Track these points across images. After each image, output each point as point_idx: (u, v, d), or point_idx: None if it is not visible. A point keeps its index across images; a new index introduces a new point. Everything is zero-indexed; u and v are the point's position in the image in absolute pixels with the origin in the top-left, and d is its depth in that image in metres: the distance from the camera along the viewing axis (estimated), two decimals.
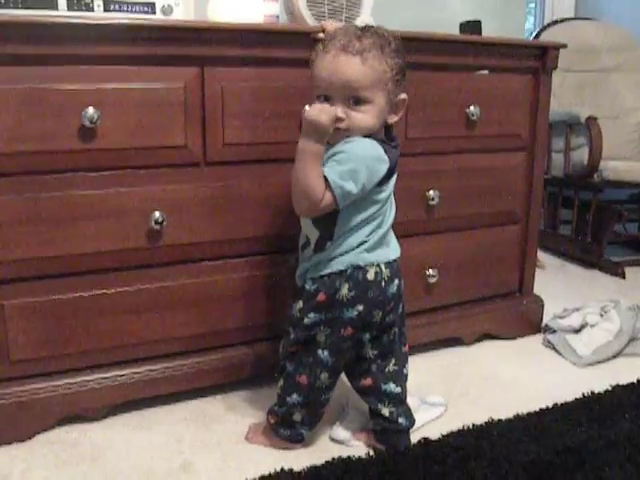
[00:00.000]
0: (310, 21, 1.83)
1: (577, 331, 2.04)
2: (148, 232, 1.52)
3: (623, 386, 1.73)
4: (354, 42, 1.27)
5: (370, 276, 1.35)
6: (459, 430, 1.50)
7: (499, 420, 1.55)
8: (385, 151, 1.31)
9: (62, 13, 1.51)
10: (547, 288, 2.35)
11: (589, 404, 1.63)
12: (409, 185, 1.81)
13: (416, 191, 1.83)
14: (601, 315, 2.10)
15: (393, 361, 1.46)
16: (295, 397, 1.42)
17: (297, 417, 1.43)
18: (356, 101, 1.28)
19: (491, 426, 1.52)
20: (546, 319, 2.15)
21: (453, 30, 2.31)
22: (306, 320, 1.37)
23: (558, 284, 2.67)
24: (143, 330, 1.56)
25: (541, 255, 2.84)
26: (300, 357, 1.40)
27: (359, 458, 1.39)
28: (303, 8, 1.85)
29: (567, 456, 1.39)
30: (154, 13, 1.60)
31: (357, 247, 1.34)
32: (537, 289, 2.16)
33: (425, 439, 1.46)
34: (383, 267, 1.37)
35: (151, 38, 1.44)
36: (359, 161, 1.27)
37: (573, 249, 3.06)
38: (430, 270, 1.90)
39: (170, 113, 1.48)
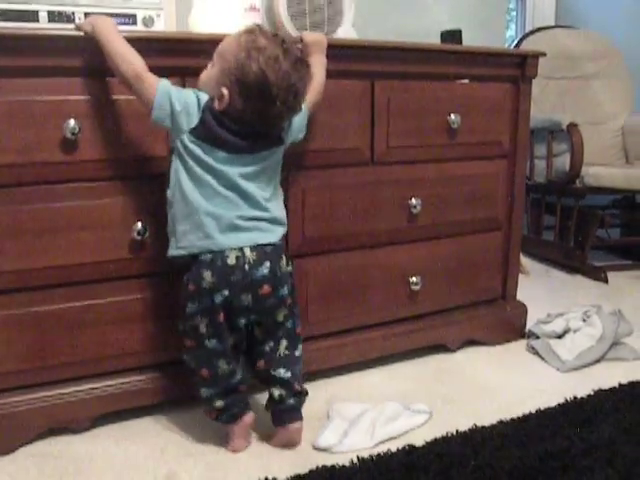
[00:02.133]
0: (293, 32, 1.84)
1: (560, 336, 2.05)
2: (130, 243, 1.52)
3: (605, 390, 1.74)
4: (257, 29, 1.36)
5: (231, 261, 1.37)
6: (443, 437, 1.51)
7: (483, 426, 1.55)
8: (203, 100, 1.36)
9: (43, 25, 1.52)
10: (531, 294, 2.36)
11: (572, 409, 1.64)
12: (391, 193, 1.83)
13: (398, 199, 1.85)
14: (584, 320, 2.11)
15: (284, 344, 1.49)
16: (206, 390, 1.45)
17: (220, 404, 1.46)
18: (212, 61, 1.39)
19: (475, 433, 1.52)
20: (530, 325, 2.16)
21: (434, 39, 2.34)
22: (187, 311, 1.41)
23: (541, 289, 2.69)
24: (126, 341, 1.56)
25: (524, 261, 2.86)
26: (194, 352, 1.44)
27: (343, 466, 1.39)
28: (285, 18, 1.87)
29: (550, 461, 1.40)
30: (135, 24, 1.61)
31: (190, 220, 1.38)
32: (520, 295, 2.18)
33: (409, 446, 1.46)
34: (247, 251, 1.39)
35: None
36: (185, 90, 1.40)
37: (556, 254, 3.09)
38: (413, 277, 1.90)
39: (153, 125, 1.48)
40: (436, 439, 1.50)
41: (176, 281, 1.57)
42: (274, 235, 1.45)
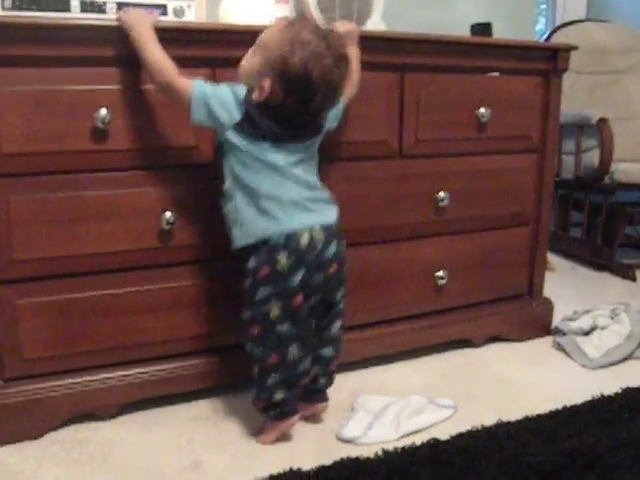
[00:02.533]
0: (322, 24, 1.84)
1: (587, 334, 2.03)
2: (159, 232, 1.53)
3: (633, 389, 1.72)
4: (300, 21, 1.38)
5: (304, 241, 1.38)
6: (468, 431, 1.50)
7: (508, 422, 1.54)
8: (242, 95, 1.36)
9: (75, 15, 1.53)
10: (557, 290, 2.35)
11: (599, 407, 1.62)
12: (419, 186, 1.82)
13: (426, 192, 1.84)
14: (611, 318, 2.10)
15: (338, 324, 1.54)
16: (273, 377, 1.44)
17: (279, 396, 1.45)
18: (253, 50, 1.39)
19: (500, 428, 1.52)
20: (556, 321, 2.14)
21: (464, 32, 2.32)
22: (257, 296, 1.40)
23: (568, 286, 2.67)
24: (154, 329, 1.57)
25: (551, 257, 2.83)
26: (263, 339, 1.43)
27: (368, 458, 1.39)
28: (314, 9, 1.87)
29: (576, 458, 1.38)
30: (166, 15, 1.62)
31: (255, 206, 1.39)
32: (547, 291, 2.16)
33: (434, 440, 1.46)
34: (317, 230, 1.41)
35: (163, 40, 1.44)
36: (221, 86, 1.39)
37: (584, 251, 3.06)
38: (440, 272, 1.90)
39: (181, 114, 1.49)
40: (461, 433, 1.49)
41: (204, 270, 1.59)
42: (333, 214, 1.47)
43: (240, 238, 1.43)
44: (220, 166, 1.44)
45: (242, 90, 1.37)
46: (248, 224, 1.40)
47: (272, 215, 1.38)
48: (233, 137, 1.37)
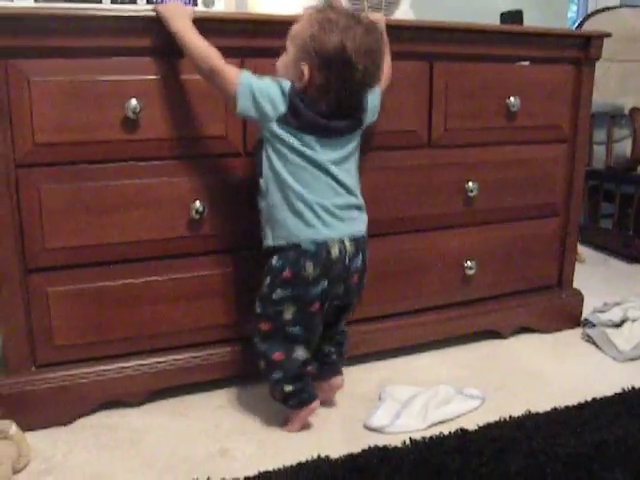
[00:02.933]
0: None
1: (617, 326, 2.01)
2: (189, 221, 1.54)
3: None
4: (325, 7, 1.38)
5: (334, 253, 1.39)
6: (496, 422, 1.49)
7: (537, 413, 1.53)
8: (287, 87, 1.36)
9: (106, 6, 1.54)
10: (587, 282, 2.32)
11: (629, 399, 1.61)
12: (447, 176, 1.81)
13: (454, 182, 1.83)
14: None
15: (344, 316, 1.57)
16: (277, 373, 1.45)
17: (289, 388, 1.46)
18: (285, 47, 1.40)
19: (529, 419, 1.51)
20: (586, 313, 2.12)
21: (494, 20, 2.29)
22: (274, 295, 1.41)
23: (598, 278, 2.63)
24: (181, 318, 1.58)
25: (581, 249, 2.80)
26: (271, 336, 1.44)
27: (395, 447, 1.39)
28: (343, 1, 1.86)
29: (606, 450, 1.37)
30: (196, 5, 1.62)
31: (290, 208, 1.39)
32: (577, 283, 2.14)
33: (462, 430, 1.46)
34: (347, 242, 1.41)
35: None
36: (266, 79, 1.39)
37: (614, 243, 3.01)
38: (468, 262, 1.89)
39: (210, 103, 1.50)
40: (489, 424, 1.49)
41: (231, 260, 1.60)
42: (363, 223, 1.48)
43: (271, 238, 1.43)
44: (259, 161, 1.44)
45: (287, 83, 1.37)
46: (281, 225, 1.40)
47: (304, 219, 1.38)
48: (277, 129, 1.37)
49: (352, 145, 1.45)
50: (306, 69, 1.33)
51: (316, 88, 1.35)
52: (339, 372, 1.59)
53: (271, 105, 1.36)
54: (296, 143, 1.37)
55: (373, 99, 1.50)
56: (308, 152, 1.38)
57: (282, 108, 1.36)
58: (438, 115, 1.77)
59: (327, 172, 1.40)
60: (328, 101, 1.37)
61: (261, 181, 1.43)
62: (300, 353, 1.45)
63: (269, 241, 1.44)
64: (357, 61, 1.32)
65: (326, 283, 1.39)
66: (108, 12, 1.42)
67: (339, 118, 1.40)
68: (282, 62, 1.40)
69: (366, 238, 1.48)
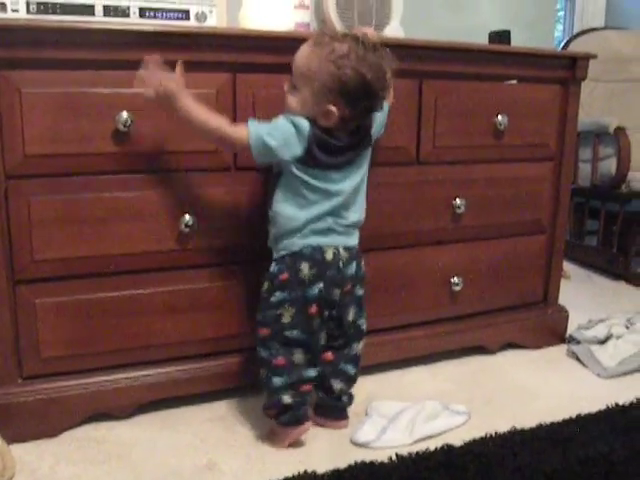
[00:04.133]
0: (341, 29, 1.85)
1: (602, 342, 2.03)
2: (178, 235, 1.54)
3: None
4: (324, 37, 1.37)
5: (328, 256, 1.42)
6: (482, 438, 1.50)
7: (522, 429, 1.54)
8: (306, 128, 1.37)
9: (99, 19, 1.55)
10: (572, 299, 2.34)
11: (613, 416, 1.62)
12: (436, 193, 1.83)
13: (443, 199, 1.84)
14: (627, 327, 2.09)
15: (359, 346, 1.57)
16: (278, 380, 1.46)
17: (287, 399, 1.46)
18: (293, 85, 1.40)
19: (514, 435, 1.52)
20: (571, 329, 2.14)
21: (482, 39, 2.32)
22: (272, 299, 1.43)
23: (583, 295, 2.66)
24: (171, 331, 1.58)
25: (566, 265, 2.82)
26: (271, 341, 1.45)
27: (382, 463, 1.39)
28: (334, 16, 1.88)
29: (591, 467, 1.38)
30: (188, 20, 1.63)
31: (293, 232, 1.42)
32: (562, 299, 2.16)
33: (448, 446, 1.46)
34: (341, 249, 1.45)
35: (185, 44, 1.47)
36: (279, 122, 1.39)
37: (599, 260, 3.05)
38: (455, 278, 1.90)
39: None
40: (475, 439, 1.49)
41: (222, 273, 1.60)
42: (356, 238, 1.51)
43: (277, 251, 1.47)
44: (271, 195, 1.46)
45: (304, 122, 1.38)
46: (285, 244, 1.44)
47: (306, 238, 1.42)
48: (297, 171, 1.39)
49: (365, 164, 1.49)
50: (333, 108, 1.35)
51: (340, 120, 1.38)
52: (347, 417, 1.59)
53: (287, 150, 1.37)
54: (312, 181, 1.40)
55: (381, 115, 1.53)
56: (325, 186, 1.41)
57: (298, 150, 1.38)
58: (427, 132, 1.79)
59: (346, 196, 1.44)
60: (350, 131, 1.41)
61: (270, 212, 1.46)
62: (300, 357, 1.46)
63: (276, 253, 1.47)
64: (378, 87, 1.36)
65: (322, 285, 1.41)
66: (101, 25, 1.43)
67: (356, 144, 1.44)
68: (296, 101, 1.39)
69: (358, 250, 1.51)
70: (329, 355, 1.54)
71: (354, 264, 1.48)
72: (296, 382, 1.47)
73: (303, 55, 1.38)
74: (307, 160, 1.38)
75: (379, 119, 1.52)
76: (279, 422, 1.49)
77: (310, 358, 1.49)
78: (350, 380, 1.57)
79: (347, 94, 1.35)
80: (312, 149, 1.37)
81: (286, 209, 1.42)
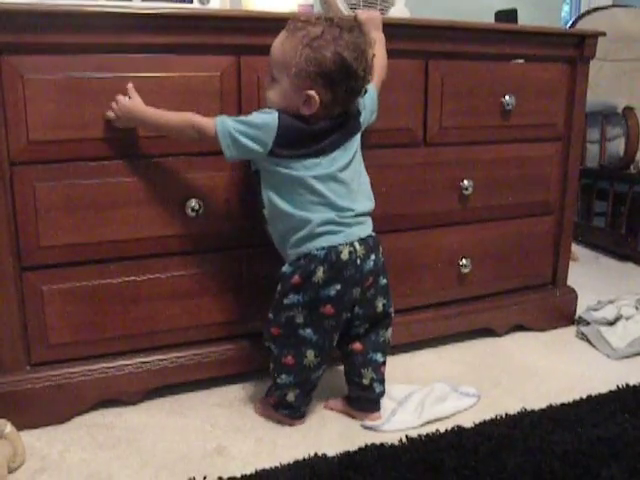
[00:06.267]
0: (345, 11, 1.83)
1: (611, 323, 2.02)
2: (184, 219, 1.53)
3: None
4: (297, 22, 1.32)
5: (344, 256, 1.37)
6: (492, 419, 1.50)
7: (532, 410, 1.54)
8: (283, 120, 1.33)
9: (102, 2, 1.53)
10: (581, 280, 2.33)
11: (623, 396, 1.61)
12: (443, 174, 1.82)
13: (450, 181, 1.83)
14: (636, 308, 2.08)
15: (389, 333, 1.53)
16: (285, 378, 1.45)
17: (291, 397, 1.46)
18: (271, 78, 1.36)
19: (524, 416, 1.51)
20: (579, 311, 2.13)
21: (488, 19, 2.30)
22: (285, 300, 1.40)
23: (592, 276, 2.65)
24: (179, 316, 1.58)
25: (575, 247, 2.81)
26: (283, 339, 1.44)
27: (392, 445, 1.39)
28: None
29: (602, 447, 1.38)
30: (191, 2, 1.62)
31: (296, 230, 1.38)
32: (570, 281, 2.14)
33: (458, 427, 1.46)
34: (357, 245, 1.40)
35: (188, 27, 1.45)
36: (248, 116, 1.36)
37: (607, 241, 3.03)
38: (463, 260, 1.89)
39: (206, 101, 1.49)
40: (485, 421, 1.49)
41: (228, 258, 1.60)
42: (369, 226, 1.46)
43: (287, 253, 1.42)
44: (258, 193, 1.43)
45: (273, 116, 1.34)
46: (291, 245, 1.40)
47: (312, 236, 1.37)
48: (268, 165, 1.37)
49: (353, 150, 1.44)
50: (313, 92, 1.31)
51: (323, 106, 1.33)
52: (379, 408, 1.54)
53: (257, 144, 1.34)
54: (292, 172, 1.35)
55: (370, 100, 1.49)
56: (303, 176, 1.36)
57: (270, 143, 1.33)
58: (433, 113, 1.77)
59: (335, 179, 1.38)
60: (332, 116, 1.37)
61: (264, 211, 1.43)
62: (311, 358, 1.43)
63: (288, 258, 1.42)
64: (357, 66, 1.31)
65: (339, 286, 1.37)
66: (103, 9, 1.41)
67: (339, 129, 1.39)
68: (276, 93, 1.36)
69: (375, 237, 1.47)
70: (357, 345, 1.49)
71: (372, 256, 1.42)
72: (302, 382, 1.46)
73: (278, 44, 1.34)
74: (279, 152, 1.34)
75: (368, 106, 1.49)
76: (275, 410, 1.50)
77: (322, 360, 1.46)
78: (379, 367, 1.51)
79: (325, 76, 1.30)
80: (283, 140, 1.33)
81: (279, 206, 1.38)
